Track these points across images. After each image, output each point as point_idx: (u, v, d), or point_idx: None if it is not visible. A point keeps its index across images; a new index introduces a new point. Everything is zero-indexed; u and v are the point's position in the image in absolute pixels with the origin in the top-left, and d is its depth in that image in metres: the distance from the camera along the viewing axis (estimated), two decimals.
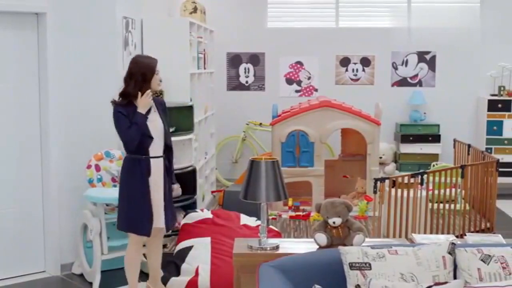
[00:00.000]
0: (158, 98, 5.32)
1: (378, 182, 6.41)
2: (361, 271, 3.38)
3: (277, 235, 6.38)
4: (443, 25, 10.38)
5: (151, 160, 5.02)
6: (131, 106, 4.97)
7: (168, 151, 5.19)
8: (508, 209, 8.79)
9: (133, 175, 5.00)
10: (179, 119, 7.08)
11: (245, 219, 6.52)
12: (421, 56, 10.46)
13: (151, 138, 4.99)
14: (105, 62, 6.24)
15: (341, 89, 10.34)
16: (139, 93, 4.96)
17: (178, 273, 5.86)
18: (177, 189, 5.39)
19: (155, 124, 5.04)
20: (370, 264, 3.40)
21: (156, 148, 5.06)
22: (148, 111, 5.04)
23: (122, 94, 5.02)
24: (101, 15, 6.19)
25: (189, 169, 7.16)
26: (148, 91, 5.00)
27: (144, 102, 4.96)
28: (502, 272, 3.40)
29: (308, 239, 4.68)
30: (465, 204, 7.33)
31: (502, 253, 3.48)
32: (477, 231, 7.03)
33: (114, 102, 5.02)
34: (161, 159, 5.10)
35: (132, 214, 5.06)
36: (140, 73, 4.97)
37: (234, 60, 10.61)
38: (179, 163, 7.05)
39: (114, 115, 4.97)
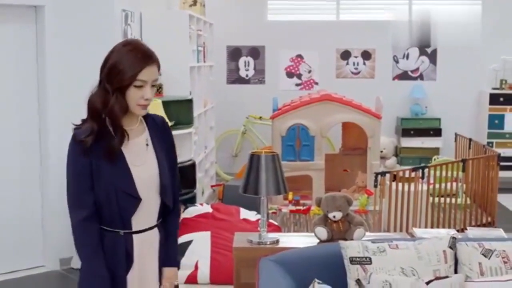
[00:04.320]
0: (155, 118, 3.01)
1: (379, 176, 6.39)
2: (361, 266, 3.35)
3: (277, 229, 6.35)
4: (445, 18, 10.33)
5: (135, 237, 2.86)
6: (102, 138, 2.77)
7: (167, 213, 2.99)
8: (510, 203, 8.76)
9: (98, 268, 2.78)
10: (179, 112, 7.05)
11: (245, 213, 6.49)
12: (422, 49, 10.42)
13: (137, 199, 2.81)
14: (104, 55, 6.19)
15: (341, 83, 10.30)
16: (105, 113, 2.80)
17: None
18: (174, 275, 3.04)
19: (147, 170, 2.85)
20: (370, 259, 3.37)
21: (145, 215, 2.88)
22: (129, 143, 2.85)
23: (87, 109, 2.86)
24: (100, 8, 6.14)
25: (189, 163, 7.14)
26: None
27: None
28: (503, 266, 3.38)
29: (308, 233, 4.66)
30: (466, 198, 7.31)
31: (503, 248, 3.46)
32: (478, 225, 7.00)
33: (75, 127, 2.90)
34: (154, 233, 2.94)
35: None
36: (112, 72, 2.76)
37: (234, 53, 10.57)
38: (178, 157, 7.02)
39: (67, 158, 2.91)
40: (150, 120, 2.95)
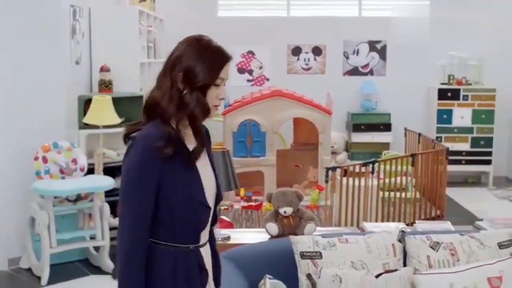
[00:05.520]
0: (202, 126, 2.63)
1: (330, 171, 6.42)
2: (312, 260, 3.37)
3: (229, 225, 6.33)
4: (394, 15, 10.45)
5: (201, 250, 2.60)
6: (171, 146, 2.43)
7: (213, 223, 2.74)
8: (458, 197, 8.91)
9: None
10: (129, 109, 6.98)
11: None
12: (372, 45, 10.52)
13: (209, 209, 2.58)
14: (52, 51, 6.11)
15: (292, 79, 10.33)
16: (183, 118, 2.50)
17: None
18: None
19: (208, 178, 2.61)
20: (320, 253, 3.39)
21: (207, 227, 2.62)
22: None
23: (150, 111, 2.55)
24: (47, 3, 6.05)
25: None
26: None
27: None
28: (450, 258, 3.44)
29: (260, 229, 4.66)
30: (416, 192, 7.40)
31: (450, 240, 3.52)
32: (428, 219, 7.10)
33: (129, 135, 2.55)
34: (208, 246, 2.67)
35: None
36: (191, 70, 2.47)
37: None
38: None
39: (133, 165, 2.43)
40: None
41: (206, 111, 2.49)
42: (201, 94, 2.46)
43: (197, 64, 2.47)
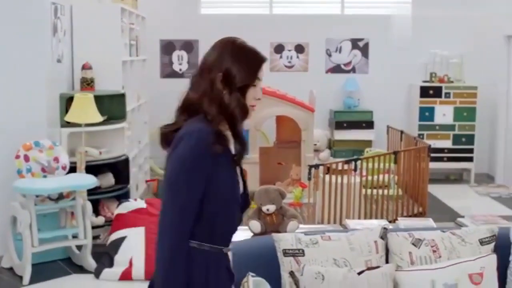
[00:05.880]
0: None
1: (313, 169, 6.44)
2: (294, 258, 3.37)
3: None
4: (376, 13, 10.48)
5: (229, 254, 2.67)
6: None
7: None
8: (439, 194, 8.96)
9: None
10: (111, 107, 6.96)
11: None
12: (355, 43, 10.54)
13: (241, 211, 2.64)
14: (33, 50, 6.07)
15: (275, 76, 10.32)
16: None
17: (111, 265, 5.78)
18: None
19: (240, 186, 2.62)
20: (303, 251, 3.39)
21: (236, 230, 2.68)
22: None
23: (188, 111, 2.58)
24: (29, 1, 6.00)
25: (122, 158, 7.05)
26: None
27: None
28: (432, 255, 3.45)
29: (243, 226, 4.66)
30: (398, 189, 7.44)
31: (432, 237, 3.53)
32: (410, 216, 7.14)
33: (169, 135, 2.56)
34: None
35: None
36: (232, 70, 2.50)
37: (167, 47, 10.48)
38: (111, 153, 6.95)
39: (185, 158, 2.41)
40: None
41: (245, 112, 2.51)
42: (240, 95, 2.49)
43: (236, 65, 2.50)
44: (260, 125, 8.43)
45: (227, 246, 2.57)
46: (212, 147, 2.40)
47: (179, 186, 2.41)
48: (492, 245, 3.53)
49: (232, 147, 2.53)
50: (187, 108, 2.56)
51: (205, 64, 2.56)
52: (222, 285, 2.56)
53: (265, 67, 2.60)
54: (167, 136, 2.54)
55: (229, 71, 2.49)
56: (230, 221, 2.54)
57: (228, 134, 2.51)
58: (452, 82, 10.02)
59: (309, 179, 6.45)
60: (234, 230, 2.58)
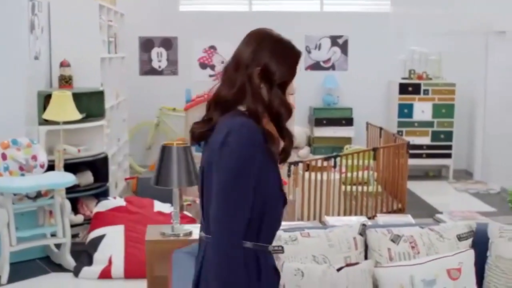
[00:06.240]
0: None
1: (292, 166, 6.44)
2: (274, 254, 3.37)
3: (192, 221, 6.31)
4: (355, 10, 10.51)
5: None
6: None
7: None
8: (418, 190, 9.01)
9: None
10: (90, 104, 6.92)
11: (159, 206, 6.43)
12: (334, 40, 10.56)
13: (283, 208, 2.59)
14: (10, 47, 6.02)
15: None
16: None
17: (90, 263, 5.75)
18: None
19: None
20: (283, 247, 3.40)
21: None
22: None
23: (222, 106, 2.53)
24: None
25: (101, 156, 7.01)
26: None
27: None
28: (411, 251, 3.47)
29: None
30: (377, 186, 7.46)
31: (411, 233, 3.55)
32: (389, 212, 7.18)
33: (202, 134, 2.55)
34: None
35: None
36: (271, 66, 2.44)
37: (146, 44, 10.44)
38: (90, 150, 6.90)
39: (236, 154, 2.32)
40: None
41: (290, 111, 2.44)
42: (282, 92, 2.41)
43: (274, 61, 2.41)
44: None
45: (271, 243, 2.51)
46: (261, 144, 2.33)
47: (235, 183, 2.31)
48: (470, 240, 3.56)
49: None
50: (222, 105, 2.47)
51: (240, 59, 2.46)
52: (272, 284, 2.50)
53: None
54: (205, 135, 2.48)
55: (267, 66, 2.40)
56: (276, 219, 2.49)
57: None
58: (430, 79, 10.08)
59: (289, 176, 6.44)
60: (278, 227, 2.53)
